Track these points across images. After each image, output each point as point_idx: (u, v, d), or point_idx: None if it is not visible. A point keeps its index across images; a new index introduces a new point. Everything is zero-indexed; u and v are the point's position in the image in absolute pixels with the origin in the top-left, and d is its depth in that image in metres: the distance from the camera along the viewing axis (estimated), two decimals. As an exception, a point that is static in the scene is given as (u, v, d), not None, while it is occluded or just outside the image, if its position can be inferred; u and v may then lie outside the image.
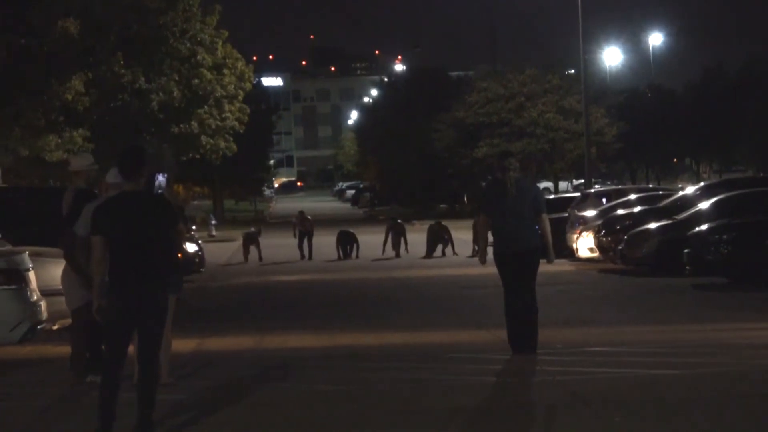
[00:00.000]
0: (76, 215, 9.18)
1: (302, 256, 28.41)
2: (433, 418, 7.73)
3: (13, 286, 10.28)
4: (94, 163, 10.40)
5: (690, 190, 23.64)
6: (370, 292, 18.59)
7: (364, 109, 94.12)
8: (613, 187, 37.06)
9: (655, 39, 61.95)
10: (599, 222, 22.53)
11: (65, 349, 10.18)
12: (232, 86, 42.17)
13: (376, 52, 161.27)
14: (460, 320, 14.03)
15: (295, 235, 29.94)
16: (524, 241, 10.26)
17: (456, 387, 8.92)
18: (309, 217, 30.06)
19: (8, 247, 11.43)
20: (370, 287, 19.51)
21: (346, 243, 28.21)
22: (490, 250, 10.56)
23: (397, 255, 27.81)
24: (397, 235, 28.38)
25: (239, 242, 31.41)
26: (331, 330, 13.38)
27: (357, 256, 27.80)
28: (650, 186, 38.51)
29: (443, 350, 11.00)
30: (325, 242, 29.84)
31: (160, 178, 37.06)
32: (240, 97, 43.31)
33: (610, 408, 7.88)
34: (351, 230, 29.63)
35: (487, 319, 13.45)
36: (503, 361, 10.12)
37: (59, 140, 29.79)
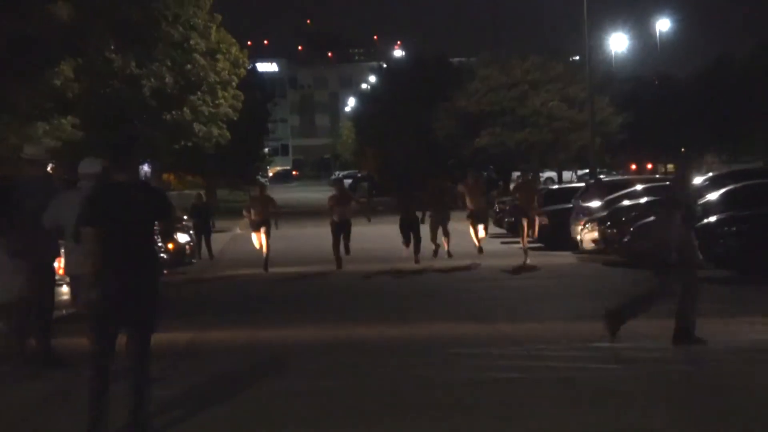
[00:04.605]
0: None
1: (339, 265, 21.53)
2: (433, 415, 7.75)
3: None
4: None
5: (697, 181, 23.60)
6: (368, 285, 18.53)
7: (363, 97, 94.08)
8: (619, 177, 37.00)
9: (663, 25, 61.86)
10: (604, 213, 22.55)
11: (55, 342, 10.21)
12: (226, 72, 42.15)
13: (375, 37, 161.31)
14: (459, 313, 14.02)
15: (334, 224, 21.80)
16: None
17: (457, 383, 8.94)
18: (349, 193, 24.36)
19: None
20: (369, 279, 19.42)
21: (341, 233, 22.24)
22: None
23: (417, 261, 21.58)
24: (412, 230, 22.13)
25: (233, 233, 31.25)
26: (328, 323, 13.38)
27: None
28: (657, 176, 38.44)
29: (443, 344, 11.03)
30: (318, 234, 29.74)
31: (146, 168, 37.18)
32: (234, 84, 43.29)
33: (617, 405, 7.91)
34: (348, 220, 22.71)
35: (486, 312, 13.53)
36: (505, 357, 10.14)
37: (47, 128, 29.75)
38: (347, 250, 21.72)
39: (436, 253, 22.04)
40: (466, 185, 23.16)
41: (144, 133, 36.48)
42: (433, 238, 22.01)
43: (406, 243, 21.88)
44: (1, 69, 26.73)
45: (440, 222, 22.09)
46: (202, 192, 29.53)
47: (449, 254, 22.09)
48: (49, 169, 10.45)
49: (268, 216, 22.41)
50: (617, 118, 49.09)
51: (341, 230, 21.59)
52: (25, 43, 26.90)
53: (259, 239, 22.25)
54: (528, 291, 16.62)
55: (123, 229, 7.13)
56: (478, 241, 22.51)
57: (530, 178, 24.42)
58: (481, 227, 22.80)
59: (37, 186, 10.27)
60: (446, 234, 22.17)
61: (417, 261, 21.40)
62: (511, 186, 38.88)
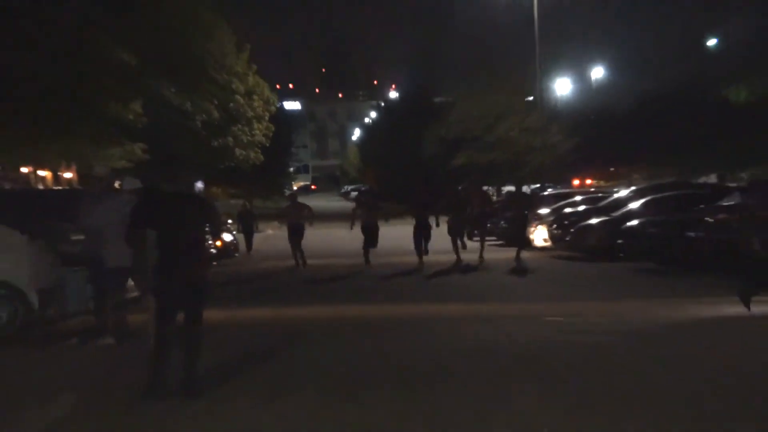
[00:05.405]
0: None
1: (367, 260, 19.55)
2: (419, 379, 7.71)
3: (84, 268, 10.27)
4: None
5: (624, 192, 23.64)
6: (375, 275, 18.09)
7: (365, 127, 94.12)
8: (562, 190, 36.95)
9: (597, 73, 61.91)
10: (552, 218, 22.54)
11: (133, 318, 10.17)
12: (260, 109, 42.27)
13: (375, 82, 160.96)
14: (444, 296, 13.97)
15: (352, 226, 20.17)
16: None
17: (443, 351, 8.89)
18: (376, 201, 21.03)
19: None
20: (384, 270, 18.73)
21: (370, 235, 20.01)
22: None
23: (423, 255, 19.54)
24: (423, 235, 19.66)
25: (265, 234, 30.98)
26: (342, 303, 13.26)
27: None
28: (592, 189, 38.46)
29: (433, 320, 10.99)
30: (337, 234, 29.59)
31: (198, 185, 37.28)
32: (266, 118, 43.38)
33: (565, 368, 7.87)
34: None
35: (464, 295, 13.50)
36: (478, 331, 10.10)
37: (122, 152, 29.79)
38: (374, 244, 19.71)
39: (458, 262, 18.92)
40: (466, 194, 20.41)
41: (196, 156, 36.42)
42: (455, 243, 19.48)
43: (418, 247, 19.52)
44: (87, 107, 26.70)
45: (458, 230, 19.60)
46: (247, 202, 29.21)
47: (459, 260, 18.95)
48: (116, 184, 10.28)
49: (302, 220, 20.18)
50: (564, 144, 49.00)
51: (368, 233, 19.67)
52: (102, 84, 26.82)
53: (293, 243, 20.10)
54: (497, 279, 16.55)
55: (178, 230, 7.10)
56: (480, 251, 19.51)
57: (523, 190, 21.96)
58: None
59: (100, 197, 10.16)
60: (463, 244, 19.52)
61: (426, 252, 19.35)
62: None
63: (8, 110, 24.01)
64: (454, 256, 19.27)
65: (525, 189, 22.86)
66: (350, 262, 20.18)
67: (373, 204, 20.48)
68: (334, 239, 28.45)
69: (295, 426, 6.26)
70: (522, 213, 21.01)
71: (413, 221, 19.95)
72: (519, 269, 17.91)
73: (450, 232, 19.74)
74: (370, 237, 19.64)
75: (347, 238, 22.82)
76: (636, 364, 7.97)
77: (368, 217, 19.82)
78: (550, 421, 6.13)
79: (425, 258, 19.46)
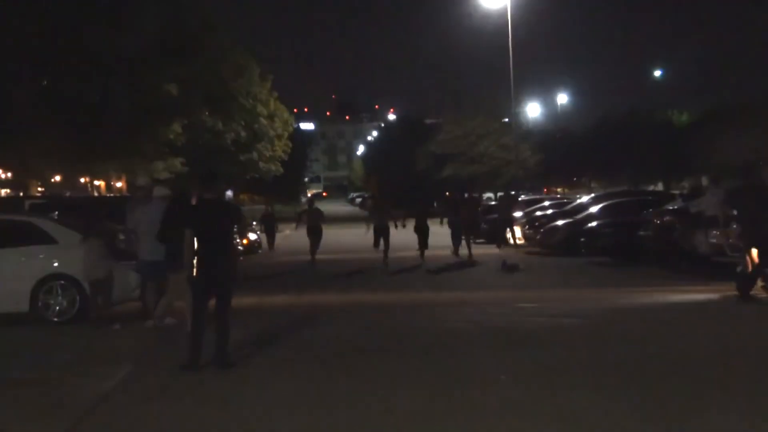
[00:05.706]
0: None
1: (376, 246, 18.73)
2: (412, 351, 7.72)
3: (133, 262, 10.28)
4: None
5: (585, 199, 23.66)
6: (389, 269, 17.62)
7: (369, 144, 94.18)
8: (533, 196, 36.99)
9: (562, 98, 62.02)
10: (525, 220, 22.54)
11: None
12: (280, 129, 42.33)
13: (376, 106, 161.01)
14: (432, 286, 13.96)
15: (367, 229, 18.70)
16: None
17: (431, 330, 8.90)
18: (386, 204, 19.29)
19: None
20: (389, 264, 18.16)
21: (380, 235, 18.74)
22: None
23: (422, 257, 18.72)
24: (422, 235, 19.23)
25: (284, 234, 30.92)
26: (346, 292, 13.25)
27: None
28: (558, 196, 38.55)
29: (427, 305, 11.00)
30: (343, 232, 29.48)
31: (228, 193, 37.55)
32: (285, 136, 43.45)
33: (534, 344, 7.87)
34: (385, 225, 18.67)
35: (452, 285, 13.49)
36: (463, 313, 10.12)
37: (164, 165, 29.82)
38: (385, 258, 18.09)
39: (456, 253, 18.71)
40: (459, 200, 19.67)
41: (226, 168, 36.49)
42: (455, 239, 19.23)
43: (420, 245, 18.92)
44: (135, 128, 26.80)
45: (458, 228, 19.13)
46: (270, 207, 29.10)
47: (470, 257, 18.47)
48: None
49: (317, 223, 19.63)
50: (533, 159, 49.07)
51: (380, 233, 18.48)
52: (149, 109, 26.92)
53: (311, 241, 19.45)
54: (482, 271, 16.54)
55: (210, 230, 7.13)
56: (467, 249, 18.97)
57: (511, 194, 21.44)
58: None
59: (138, 203, 10.16)
60: (466, 243, 18.79)
61: (422, 257, 18.39)
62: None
63: (72, 133, 24.28)
64: (451, 252, 19.14)
65: (512, 194, 22.78)
66: (357, 257, 20.01)
67: (385, 208, 19.17)
68: (343, 237, 28.47)
69: (308, 390, 6.28)
70: (510, 214, 20.79)
71: (413, 223, 19.71)
72: (505, 263, 17.89)
73: (451, 228, 19.60)
74: (383, 238, 18.46)
75: (354, 237, 22.89)
76: (585, 339, 7.99)
77: (380, 220, 18.67)
78: (514, 374, 6.19)
79: (424, 256, 19.16)
